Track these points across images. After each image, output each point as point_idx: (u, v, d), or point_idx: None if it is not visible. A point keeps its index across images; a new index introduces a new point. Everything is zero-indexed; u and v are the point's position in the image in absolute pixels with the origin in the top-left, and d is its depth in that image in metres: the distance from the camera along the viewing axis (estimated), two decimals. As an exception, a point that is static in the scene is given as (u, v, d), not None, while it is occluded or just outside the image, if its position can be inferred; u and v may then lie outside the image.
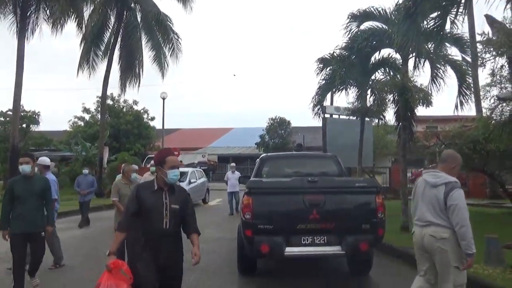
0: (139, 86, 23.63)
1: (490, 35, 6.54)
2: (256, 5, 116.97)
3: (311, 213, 5.81)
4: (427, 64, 11.37)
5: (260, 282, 6.55)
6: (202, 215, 12.14)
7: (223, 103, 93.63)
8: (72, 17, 18.76)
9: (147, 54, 23.02)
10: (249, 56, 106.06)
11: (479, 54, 6.93)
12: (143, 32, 22.75)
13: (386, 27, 11.72)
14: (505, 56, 6.50)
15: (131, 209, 3.69)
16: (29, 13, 18.75)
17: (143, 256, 3.61)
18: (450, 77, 11.74)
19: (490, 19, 6.62)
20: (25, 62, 18.00)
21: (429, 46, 10.53)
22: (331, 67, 14.25)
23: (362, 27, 12.66)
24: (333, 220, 5.87)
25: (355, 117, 15.04)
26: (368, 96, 13.68)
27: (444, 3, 8.19)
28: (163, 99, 26.84)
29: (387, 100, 11.93)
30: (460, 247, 4.07)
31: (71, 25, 25.23)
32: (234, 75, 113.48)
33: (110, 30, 22.74)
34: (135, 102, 33.23)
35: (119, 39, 22.24)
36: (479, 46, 6.89)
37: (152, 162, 12.23)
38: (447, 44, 10.60)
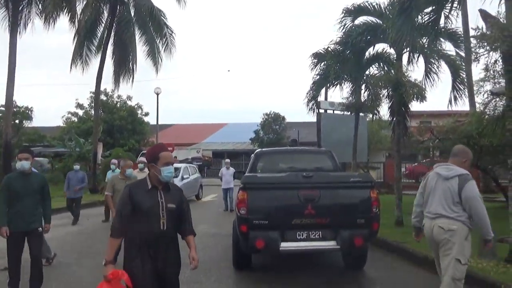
0: (132, 81, 23.51)
1: (484, 30, 6.54)
2: (250, 0, 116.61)
3: (306, 208, 5.82)
4: (421, 59, 11.45)
5: (256, 277, 6.56)
6: (196, 211, 12.12)
7: (218, 98, 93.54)
8: (65, 11, 18.59)
9: (141, 49, 22.92)
10: (244, 51, 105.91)
11: (473, 49, 6.92)
12: (136, 27, 22.60)
13: (381, 22, 11.72)
14: (499, 51, 6.50)
15: (125, 212, 3.40)
16: (21, 7, 18.61)
17: (139, 260, 3.38)
18: (444, 72, 11.81)
19: (484, 14, 6.62)
20: (17, 57, 17.85)
21: (423, 41, 10.56)
22: (325, 62, 14.27)
23: (357, 22, 12.66)
24: (328, 215, 5.90)
25: (349, 112, 15.06)
26: (362, 91, 13.74)
27: (438, -3, 8.19)
28: (157, 94, 26.76)
29: (381, 95, 11.99)
30: (466, 241, 4.23)
31: (63, 20, 24.98)
32: (229, 70, 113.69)
33: (103, 25, 22.56)
34: (129, 98, 33.08)
35: (112, 34, 22.07)
36: (473, 41, 6.89)
37: (140, 158, 12.18)
38: (441, 39, 10.61)
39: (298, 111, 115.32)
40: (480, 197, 4.25)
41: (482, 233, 4.28)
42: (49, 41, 70.90)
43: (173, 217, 3.50)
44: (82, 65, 22.24)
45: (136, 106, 33.56)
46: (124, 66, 23.04)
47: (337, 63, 13.20)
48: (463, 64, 12.02)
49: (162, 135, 32.72)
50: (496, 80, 9.96)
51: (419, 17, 9.13)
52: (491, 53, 6.64)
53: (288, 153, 9.36)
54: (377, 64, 13.51)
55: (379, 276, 6.67)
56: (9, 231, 5.19)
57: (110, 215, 7.38)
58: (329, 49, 13.60)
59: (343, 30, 12.72)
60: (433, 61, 11.55)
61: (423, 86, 11.02)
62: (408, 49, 10.61)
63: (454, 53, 11.57)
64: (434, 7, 8.46)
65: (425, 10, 8.83)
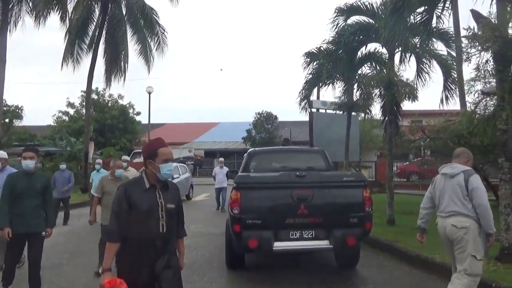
0: (124, 80, 23.34)
1: (476, 30, 6.59)
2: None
3: (299, 208, 5.83)
4: (413, 58, 11.53)
5: (249, 276, 6.56)
6: (189, 210, 12.10)
7: (210, 97, 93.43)
8: (56, 9, 18.42)
9: (133, 48, 22.74)
10: (236, 50, 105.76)
11: (464, 49, 6.97)
12: (128, 25, 22.44)
13: (373, 22, 11.76)
14: (490, 51, 6.55)
15: (121, 214, 3.13)
16: (11, 5, 18.39)
17: (136, 267, 3.13)
18: (435, 72, 11.89)
19: (475, 14, 6.66)
20: (7, 55, 17.66)
21: (415, 40, 10.61)
22: (318, 61, 14.28)
23: (349, 21, 12.68)
24: (321, 214, 5.91)
25: (341, 112, 15.10)
26: (354, 91, 13.77)
27: (431, -3, 8.23)
28: (149, 93, 26.65)
29: (373, 95, 12.02)
30: (479, 237, 4.38)
31: (54, 18, 24.73)
32: (221, 69, 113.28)
33: (94, 23, 22.39)
34: (120, 97, 32.92)
35: (104, 32, 21.89)
36: (465, 41, 6.94)
37: (124, 157, 11.99)
38: (433, 39, 10.68)
39: (290, 110, 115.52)
40: (484, 189, 4.44)
41: (484, 226, 4.36)
42: (39, 39, 70.33)
43: (173, 218, 3.28)
44: (73, 64, 22.04)
45: (128, 105, 33.41)
46: (115, 65, 22.87)
47: (329, 62, 13.22)
48: (454, 63, 12.11)
49: (154, 134, 32.48)
50: (486, 80, 10.06)
51: (412, 17, 9.17)
52: (482, 53, 6.69)
53: (281, 153, 9.36)
54: (369, 63, 13.55)
55: (371, 275, 6.70)
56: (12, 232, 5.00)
57: (90, 217, 7.09)
58: (321, 48, 13.63)
59: (336, 30, 12.75)
60: (425, 60, 11.63)
61: (415, 86, 11.08)
62: (400, 48, 10.65)
63: (445, 53, 11.66)
64: (426, 7, 8.50)
65: (417, 10, 8.87)
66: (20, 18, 18.83)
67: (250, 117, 37.35)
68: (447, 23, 11.07)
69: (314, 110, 17.52)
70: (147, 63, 22.83)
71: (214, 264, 7.20)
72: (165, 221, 3.19)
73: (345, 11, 12.55)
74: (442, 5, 8.20)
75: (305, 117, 17.68)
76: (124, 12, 22.32)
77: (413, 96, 10.28)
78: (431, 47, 11.17)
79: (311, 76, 14.97)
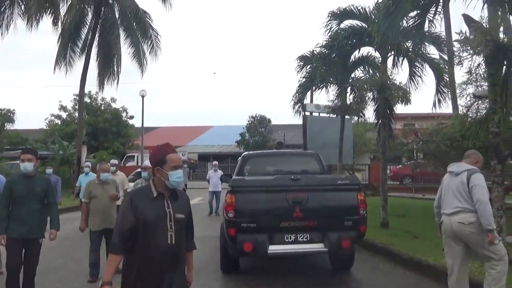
0: (117, 83, 23.27)
1: (468, 34, 6.66)
2: (236, 3, 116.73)
3: (294, 211, 5.84)
4: (405, 62, 11.59)
5: (244, 280, 6.55)
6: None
7: (203, 101, 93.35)
8: (48, 12, 18.35)
9: (126, 51, 22.72)
10: (230, 54, 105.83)
11: (456, 53, 7.05)
12: (121, 29, 22.41)
13: (366, 26, 11.83)
14: (481, 55, 6.63)
15: (127, 225, 2.92)
16: (3, 8, 18.31)
17: (141, 283, 2.93)
18: (428, 75, 11.99)
19: (467, 18, 6.74)
20: (-1, 58, 17.56)
21: (408, 44, 10.70)
22: (311, 65, 14.32)
23: (342, 25, 12.74)
24: (316, 217, 5.92)
25: (335, 115, 15.16)
26: (348, 94, 13.83)
27: (422, 2, 8.31)
28: (143, 97, 26.54)
29: (366, 98, 12.08)
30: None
31: (47, 21, 24.64)
32: (214, 73, 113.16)
33: (87, 27, 22.33)
34: (113, 100, 32.80)
35: (96, 36, 21.85)
36: (457, 45, 7.01)
37: (112, 161, 11.86)
38: (425, 42, 10.77)
39: (283, 114, 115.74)
40: (485, 187, 4.57)
41: (482, 222, 4.45)
42: (32, 43, 69.94)
43: (182, 229, 3.06)
44: (66, 67, 21.95)
45: (121, 109, 33.30)
46: (108, 68, 22.81)
47: (323, 66, 13.27)
48: (447, 67, 12.22)
49: (147, 138, 32.45)
50: (478, 83, 10.18)
51: (404, 21, 9.24)
52: (474, 56, 6.76)
53: (276, 156, 9.38)
54: (362, 67, 13.63)
55: (366, 277, 6.74)
56: (9, 237, 4.84)
57: (81, 224, 6.95)
58: (315, 52, 13.68)
59: (329, 34, 12.80)
60: (417, 64, 11.74)
61: (408, 89, 11.17)
62: (393, 52, 10.74)
63: (438, 57, 11.78)
64: (418, 12, 8.57)
65: (410, 15, 8.94)
66: (12, 21, 18.79)
67: (243, 121, 37.41)
68: (439, 27, 11.20)
69: (307, 113, 17.59)
70: (140, 67, 22.81)
71: (209, 268, 7.17)
72: (174, 232, 2.98)
73: (338, 15, 12.62)
74: (434, 9, 8.28)
75: (298, 120, 17.74)
76: (117, 16, 22.29)
77: (406, 100, 10.35)
78: (424, 51, 11.26)
79: (304, 79, 15.02)
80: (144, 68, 22.87)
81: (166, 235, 2.95)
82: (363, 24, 12.11)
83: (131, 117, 33.70)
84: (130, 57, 22.75)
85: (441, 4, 8.19)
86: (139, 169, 15.30)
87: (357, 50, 12.93)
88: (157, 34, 22.71)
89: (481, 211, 4.47)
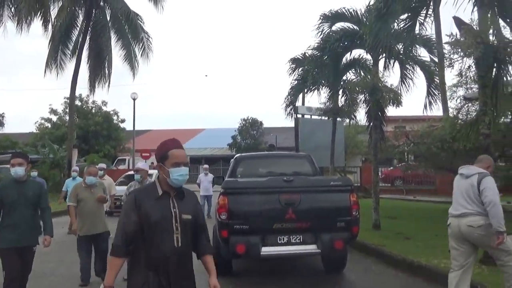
0: (108, 86, 23.09)
1: (458, 36, 6.73)
2: (227, 6, 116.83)
3: (287, 213, 5.84)
4: (397, 64, 11.69)
5: (237, 282, 6.52)
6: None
7: (195, 104, 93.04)
8: (39, 14, 18.20)
9: (117, 54, 22.57)
10: (221, 56, 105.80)
11: (447, 55, 7.11)
12: (112, 31, 22.28)
13: (358, 28, 11.91)
14: (472, 57, 6.70)
15: (130, 226, 2.75)
16: (-8, 10, 18.14)
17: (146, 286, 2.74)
18: (419, 78, 12.08)
19: (458, 21, 6.81)
20: (-12, 61, 17.37)
21: (399, 47, 10.78)
22: (303, 67, 14.41)
23: (334, 28, 12.85)
24: (309, 219, 5.92)
25: (327, 117, 15.22)
26: (339, 96, 13.90)
27: (413, 5, 8.39)
28: (134, 99, 26.42)
29: (358, 100, 12.14)
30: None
31: (37, 24, 24.46)
32: (206, 75, 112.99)
33: (78, 29, 22.18)
34: (104, 103, 32.60)
35: (87, 38, 21.70)
36: (447, 47, 7.08)
37: (100, 165, 11.73)
38: (416, 45, 10.87)
39: (275, 116, 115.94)
40: (496, 189, 4.60)
41: (493, 224, 4.48)
42: (22, 45, 69.34)
43: (189, 230, 2.87)
44: (56, 70, 21.79)
45: (112, 112, 33.10)
46: (99, 71, 22.65)
47: (315, 69, 13.34)
48: (437, 69, 12.33)
49: (138, 141, 32.31)
50: (468, 86, 10.27)
51: (395, 24, 9.32)
52: (464, 59, 6.83)
53: (268, 158, 9.37)
54: (354, 69, 13.73)
55: (358, 278, 6.75)
56: (2, 248, 4.64)
57: (72, 227, 6.83)
58: (307, 54, 13.77)
59: (321, 36, 12.89)
60: (408, 66, 11.84)
61: (399, 91, 11.25)
62: (384, 54, 10.80)
63: (428, 59, 11.87)
64: (409, 14, 8.66)
65: (401, 17, 9.03)
66: (2, 23, 18.59)
67: (235, 123, 37.33)
68: (430, 30, 11.29)
69: (299, 116, 17.66)
70: (132, 69, 22.70)
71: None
72: (180, 234, 2.79)
73: (330, 18, 12.70)
74: (424, 12, 8.38)
75: (290, 123, 17.85)
76: (108, 18, 22.19)
77: (397, 102, 10.41)
78: (415, 53, 11.38)
79: (296, 82, 15.11)
80: (136, 71, 22.78)
81: (172, 237, 2.77)
82: (355, 27, 12.20)
83: (123, 121, 33.57)
84: (121, 60, 22.65)
85: (431, 7, 8.28)
86: (131, 172, 15.21)
87: (349, 53, 13.03)
88: (149, 37, 22.65)
89: (492, 213, 4.48)
